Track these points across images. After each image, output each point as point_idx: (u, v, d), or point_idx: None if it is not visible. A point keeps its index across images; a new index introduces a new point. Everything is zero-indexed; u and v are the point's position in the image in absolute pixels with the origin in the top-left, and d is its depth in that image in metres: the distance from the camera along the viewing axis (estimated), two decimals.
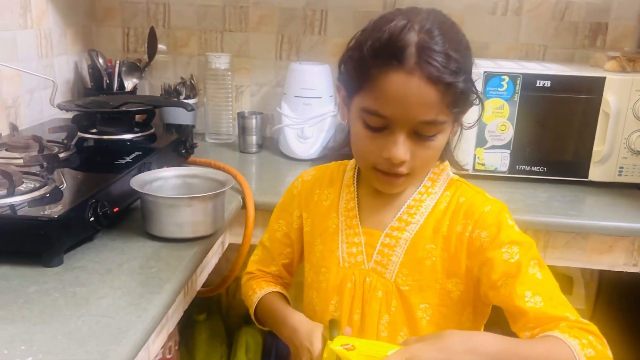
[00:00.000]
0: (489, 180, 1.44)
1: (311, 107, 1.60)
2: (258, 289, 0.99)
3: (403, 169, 0.78)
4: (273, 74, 1.80)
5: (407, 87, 0.71)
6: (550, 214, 1.26)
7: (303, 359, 0.83)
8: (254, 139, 1.65)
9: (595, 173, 1.41)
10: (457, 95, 0.73)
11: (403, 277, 0.85)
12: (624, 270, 1.27)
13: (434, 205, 0.86)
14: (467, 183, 0.89)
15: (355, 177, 0.92)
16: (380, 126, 0.76)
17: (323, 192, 0.94)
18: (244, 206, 1.26)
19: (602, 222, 1.24)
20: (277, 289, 0.99)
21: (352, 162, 0.95)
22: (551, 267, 1.70)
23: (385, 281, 0.85)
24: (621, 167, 1.40)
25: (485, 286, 0.81)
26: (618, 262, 1.27)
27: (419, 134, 0.76)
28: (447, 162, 0.90)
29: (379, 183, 0.83)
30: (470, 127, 0.89)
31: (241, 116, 1.65)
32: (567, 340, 0.71)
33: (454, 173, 0.91)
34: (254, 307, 0.98)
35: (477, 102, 0.82)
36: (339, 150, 0.94)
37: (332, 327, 0.81)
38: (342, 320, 0.88)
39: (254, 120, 1.64)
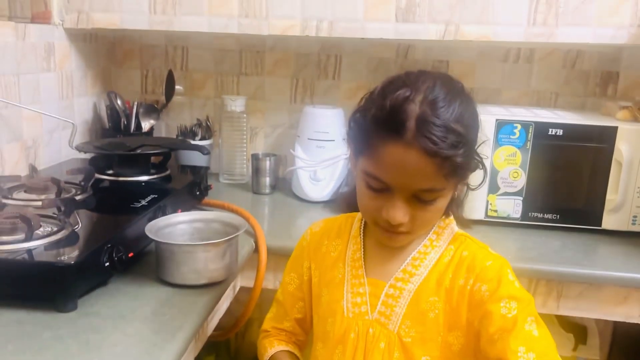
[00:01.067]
0: (502, 227, 1.44)
1: (324, 150, 1.62)
2: (269, 347, 1.00)
3: (402, 229, 0.80)
4: (287, 116, 1.83)
5: (405, 158, 0.73)
6: (563, 264, 1.25)
7: None
8: (267, 180, 1.67)
9: (609, 222, 1.41)
10: (455, 167, 0.75)
11: (406, 328, 0.85)
12: (638, 322, 1.25)
13: (438, 258, 0.87)
14: (471, 238, 0.90)
15: (362, 228, 0.93)
16: (381, 188, 0.78)
17: (331, 243, 0.95)
18: (256, 250, 1.27)
19: (616, 273, 1.23)
20: (288, 347, 0.99)
21: (359, 213, 0.96)
22: (565, 317, 1.69)
23: (388, 332, 0.85)
24: (635, 216, 1.39)
25: (483, 339, 0.80)
26: (633, 313, 1.25)
27: (419, 198, 0.78)
28: (452, 217, 0.91)
29: (382, 238, 0.85)
30: (475, 189, 0.91)
31: (255, 158, 1.67)
32: None
33: (459, 227, 0.92)
34: None
35: (481, 168, 0.84)
36: (350, 196, 0.94)
37: None
38: None
39: (267, 162, 1.66)
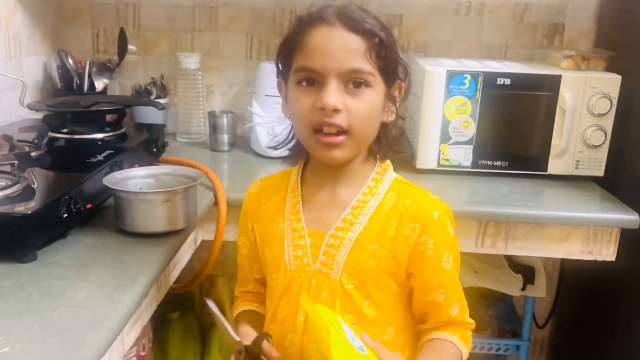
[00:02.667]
0: (454, 175, 1.49)
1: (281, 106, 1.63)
2: (235, 310, 1.04)
3: (340, 121, 0.81)
4: (243, 73, 1.83)
5: (329, 37, 0.80)
6: (511, 206, 1.32)
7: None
8: (225, 137, 1.67)
9: (554, 167, 1.48)
10: (378, 45, 0.81)
11: (347, 276, 0.87)
12: (580, 258, 1.33)
13: (377, 206, 0.89)
14: (409, 183, 0.93)
15: (299, 181, 0.94)
16: (312, 80, 0.81)
17: (269, 201, 0.96)
18: (216, 203, 1.29)
19: (560, 213, 1.30)
20: (252, 307, 1.02)
21: (296, 168, 0.97)
22: (514, 259, 1.77)
23: (330, 281, 0.87)
24: (578, 161, 1.46)
25: (422, 287, 0.90)
26: (574, 250, 1.33)
27: (348, 85, 0.81)
28: (389, 162, 0.94)
29: (321, 149, 0.83)
30: (405, 118, 0.97)
31: (212, 115, 1.67)
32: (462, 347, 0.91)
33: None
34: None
35: (405, 77, 0.89)
36: (284, 146, 0.99)
37: (253, 343, 0.85)
38: (289, 321, 0.90)
39: (224, 119, 1.66)
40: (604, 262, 1.33)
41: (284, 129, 0.99)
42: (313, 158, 0.92)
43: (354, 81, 0.81)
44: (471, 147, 1.47)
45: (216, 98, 1.86)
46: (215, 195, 1.29)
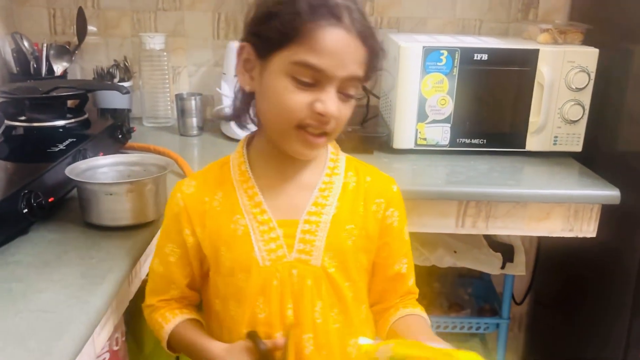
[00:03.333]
0: (431, 154, 1.46)
1: None
2: (164, 322, 0.90)
3: (330, 127, 0.78)
4: (211, 53, 1.76)
5: (345, 43, 0.75)
6: (491, 185, 1.29)
7: None
8: (194, 121, 1.61)
9: (532, 143, 1.46)
10: (377, 57, 0.80)
11: (329, 259, 0.85)
12: (561, 236, 1.32)
13: (342, 185, 0.87)
14: (360, 161, 0.93)
15: (249, 171, 0.86)
16: (311, 81, 0.75)
17: (213, 197, 0.86)
18: None
19: (540, 191, 1.29)
20: (186, 315, 0.91)
21: (233, 158, 0.88)
22: (493, 238, 1.75)
23: (313, 268, 0.84)
24: (556, 137, 1.45)
25: (388, 258, 0.92)
26: (556, 228, 1.32)
27: (342, 92, 0.78)
28: (334, 143, 0.92)
29: (301, 145, 0.79)
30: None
31: (179, 98, 1.61)
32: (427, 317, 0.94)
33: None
34: (165, 343, 0.91)
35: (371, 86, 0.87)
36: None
37: (255, 341, 0.80)
38: (274, 319, 0.84)
39: (193, 102, 1.60)
40: (581, 238, 1.33)
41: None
42: (269, 145, 0.84)
43: (347, 88, 0.78)
44: (449, 125, 1.44)
45: (183, 80, 1.79)
46: None
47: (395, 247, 0.92)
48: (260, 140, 0.86)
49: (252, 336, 0.81)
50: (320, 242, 0.84)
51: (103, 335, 0.86)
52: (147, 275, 1.08)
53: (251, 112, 0.87)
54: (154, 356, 1.77)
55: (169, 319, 0.90)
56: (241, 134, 1.54)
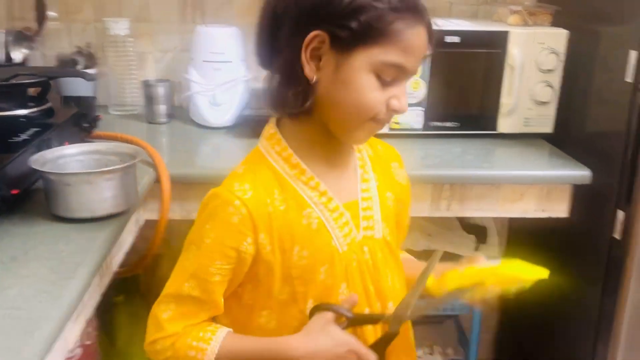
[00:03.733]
0: (405, 139, 1.45)
1: (221, 72, 1.54)
2: (204, 344, 0.80)
3: None
4: (178, 38, 1.71)
5: (425, 41, 0.76)
6: (464, 168, 1.30)
7: None
8: (162, 108, 1.57)
9: (504, 125, 1.46)
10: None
11: (384, 229, 0.88)
12: (535, 217, 1.33)
13: (367, 157, 0.89)
14: None
15: (299, 161, 0.81)
16: (395, 77, 0.76)
17: (273, 198, 0.80)
18: (157, 180, 1.20)
19: (513, 172, 1.30)
20: (225, 327, 0.83)
21: (271, 152, 0.82)
22: (466, 220, 1.77)
23: (378, 241, 0.87)
24: (527, 118, 1.46)
25: (403, 216, 0.96)
26: (529, 208, 1.33)
27: None
28: None
29: (366, 134, 0.81)
30: None
31: (146, 85, 1.56)
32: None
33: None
34: None
35: None
36: (276, 107, 0.82)
37: (335, 310, 0.80)
38: (360, 299, 0.84)
39: (160, 89, 1.55)
40: (551, 217, 1.34)
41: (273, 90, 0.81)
42: (315, 132, 0.81)
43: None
44: (422, 109, 1.43)
45: (150, 66, 1.74)
46: (156, 171, 1.19)
47: (408, 203, 0.96)
48: (302, 128, 0.81)
49: (326, 307, 0.80)
50: (377, 214, 0.87)
51: (75, 331, 0.83)
52: (118, 267, 1.06)
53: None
54: (127, 349, 1.74)
55: (209, 339, 0.80)
56: (214, 121, 1.53)
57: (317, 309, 0.81)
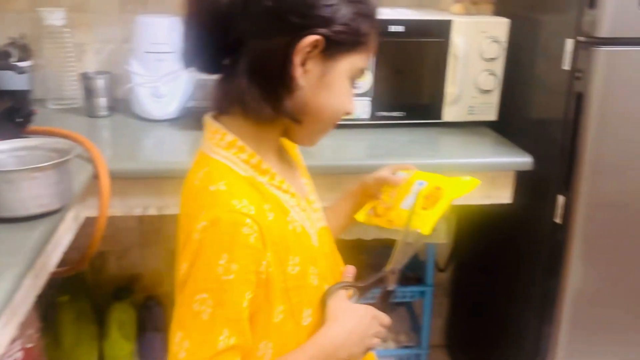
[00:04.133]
0: (352, 129, 1.45)
1: (164, 63, 1.50)
2: None
3: None
4: (118, 29, 1.66)
5: None
6: (411, 157, 1.30)
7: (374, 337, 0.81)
8: (102, 101, 1.52)
9: (449, 114, 1.48)
10: None
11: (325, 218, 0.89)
12: (480, 203, 1.35)
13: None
14: None
15: (261, 164, 0.76)
16: (357, 82, 0.79)
17: (265, 209, 0.73)
18: (96, 175, 1.16)
19: (459, 160, 1.31)
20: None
21: (240, 162, 0.75)
22: None
23: (327, 229, 0.88)
24: (471, 107, 1.47)
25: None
26: (474, 196, 1.33)
27: None
28: None
29: (321, 137, 0.81)
30: None
31: (85, 77, 1.51)
32: None
33: None
34: None
35: None
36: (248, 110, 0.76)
37: (341, 287, 0.82)
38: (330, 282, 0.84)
39: (100, 81, 1.51)
40: (498, 204, 1.36)
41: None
42: (272, 132, 0.78)
43: None
44: (369, 99, 1.43)
45: (89, 58, 1.68)
46: (94, 167, 1.15)
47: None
48: (261, 129, 0.75)
49: (337, 287, 0.82)
50: (319, 204, 0.87)
51: (7, 334, 0.79)
52: (57, 266, 1.02)
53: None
54: (74, 350, 1.69)
55: None
56: (157, 114, 1.49)
57: (329, 291, 0.81)
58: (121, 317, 1.76)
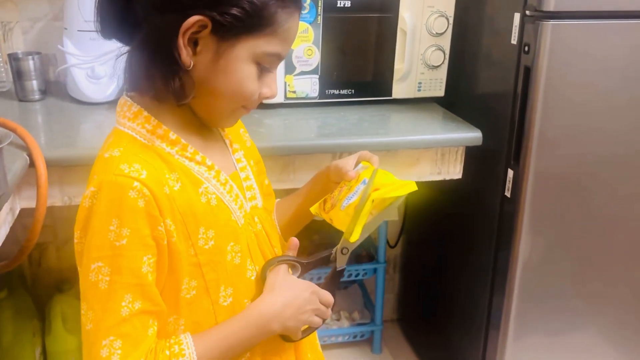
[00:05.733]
0: (302, 108, 1.42)
1: (100, 43, 1.39)
2: (179, 356, 0.70)
3: None
4: (47, 5, 1.55)
5: (297, 26, 0.75)
6: (362, 135, 1.29)
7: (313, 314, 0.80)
8: (34, 84, 1.42)
9: (398, 91, 1.47)
10: None
11: (261, 198, 0.86)
12: (431, 179, 1.36)
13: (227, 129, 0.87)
14: None
15: (181, 138, 0.75)
16: (271, 66, 0.75)
17: (168, 178, 0.71)
18: (32, 164, 1.08)
19: (408, 137, 1.31)
20: (186, 334, 0.73)
21: (145, 132, 0.73)
22: None
23: (262, 210, 0.85)
24: (420, 83, 1.47)
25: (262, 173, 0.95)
26: (425, 172, 1.35)
27: None
28: None
29: (234, 119, 0.80)
30: None
31: (14, 58, 1.41)
32: None
33: None
34: None
35: None
36: (132, 88, 0.77)
37: (283, 260, 0.82)
38: (259, 276, 0.81)
39: (30, 62, 1.41)
40: (447, 179, 1.37)
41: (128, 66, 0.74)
42: (187, 110, 0.76)
43: None
44: (317, 76, 1.40)
45: (17, 37, 1.56)
46: (29, 155, 1.08)
47: (264, 167, 0.93)
48: (169, 107, 0.74)
49: (279, 261, 0.82)
50: (255, 184, 0.84)
51: None
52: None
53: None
54: (13, 347, 1.60)
55: (179, 353, 0.69)
56: (95, 96, 1.41)
57: (269, 264, 0.81)
58: (65, 311, 1.68)
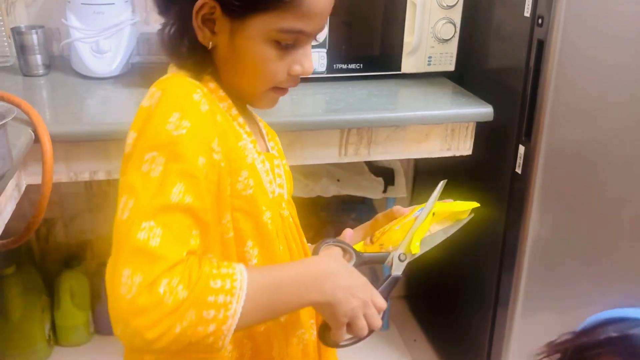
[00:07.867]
0: (309, 83, 1.39)
1: (104, 16, 1.39)
2: (228, 268, 0.60)
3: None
4: None
5: (330, 2, 0.71)
6: (370, 111, 1.27)
7: (361, 312, 0.67)
8: (38, 58, 1.40)
9: (407, 65, 1.44)
10: None
11: (288, 188, 0.82)
12: (441, 156, 1.34)
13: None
14: None
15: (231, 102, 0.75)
16: (293, 43, 0.70)
17: (218, 120, 0.69)
18: (37, 139, 1.07)
19: (418, 112, 1.28)
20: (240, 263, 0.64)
21: (202, 81, 0.72)
22: (373, 164, 1.76)
23: (289, 202, 0.81)
24: (430, 57, 1.44)
25: None
26: (434, 148, 1.33)
27: None
28: None
29: (270, 102, 0.76)
30: None
31: (17, 32, 1.38)
32: None
33: None
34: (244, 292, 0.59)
35: None
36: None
37: (339, 245, 0.78)
38: (286, 259, 0.77)
39: (34, 36, 1.38)
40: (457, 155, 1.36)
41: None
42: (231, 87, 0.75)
43: None
44: (325, 50, 1.37)
45: (20, 11, 1.54)
46: (34, 131, 1.07)
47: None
48: (219, 81, 0.74)
49: (335, 243, 0.78)
50: (284, 177, 0.80)
51: None
52: (1, 237, 0.95)
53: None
54: (22, 323, 1.62)
55: (230, 264, 0.61)
56: (99, 71, 1.39)
57: (324, 242, 0.77)
58: (73, 286, 1.69)
